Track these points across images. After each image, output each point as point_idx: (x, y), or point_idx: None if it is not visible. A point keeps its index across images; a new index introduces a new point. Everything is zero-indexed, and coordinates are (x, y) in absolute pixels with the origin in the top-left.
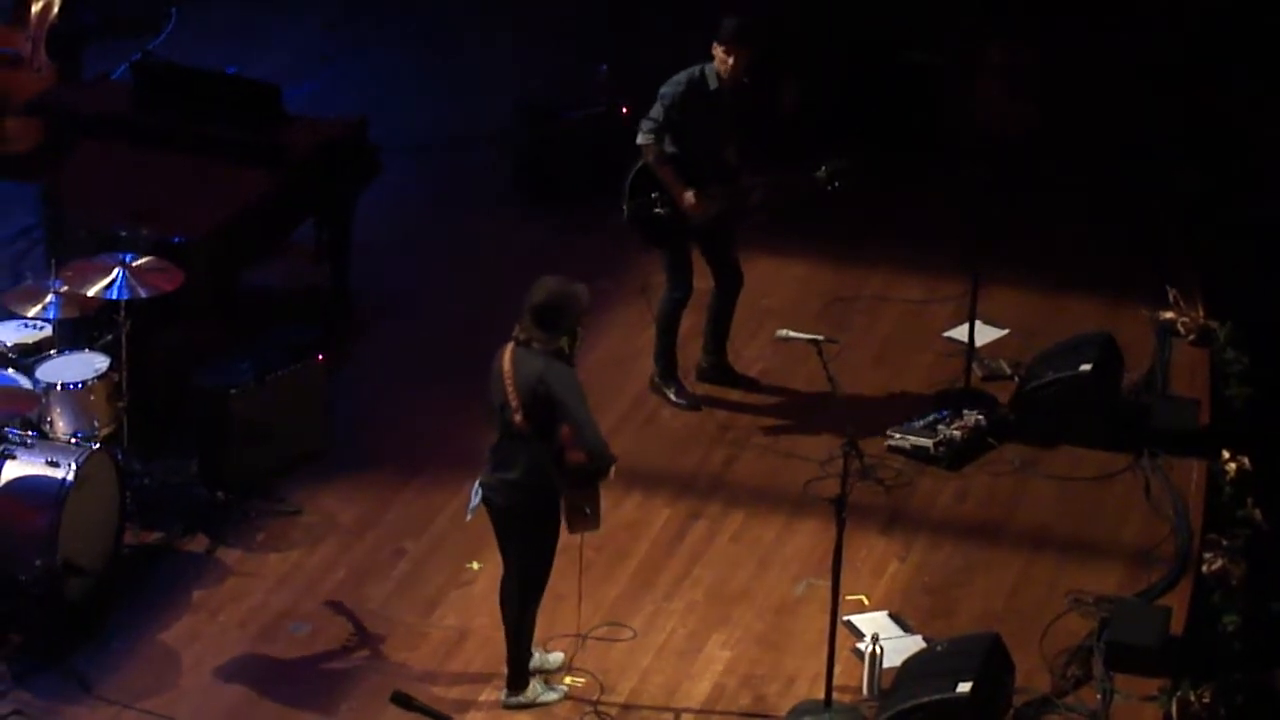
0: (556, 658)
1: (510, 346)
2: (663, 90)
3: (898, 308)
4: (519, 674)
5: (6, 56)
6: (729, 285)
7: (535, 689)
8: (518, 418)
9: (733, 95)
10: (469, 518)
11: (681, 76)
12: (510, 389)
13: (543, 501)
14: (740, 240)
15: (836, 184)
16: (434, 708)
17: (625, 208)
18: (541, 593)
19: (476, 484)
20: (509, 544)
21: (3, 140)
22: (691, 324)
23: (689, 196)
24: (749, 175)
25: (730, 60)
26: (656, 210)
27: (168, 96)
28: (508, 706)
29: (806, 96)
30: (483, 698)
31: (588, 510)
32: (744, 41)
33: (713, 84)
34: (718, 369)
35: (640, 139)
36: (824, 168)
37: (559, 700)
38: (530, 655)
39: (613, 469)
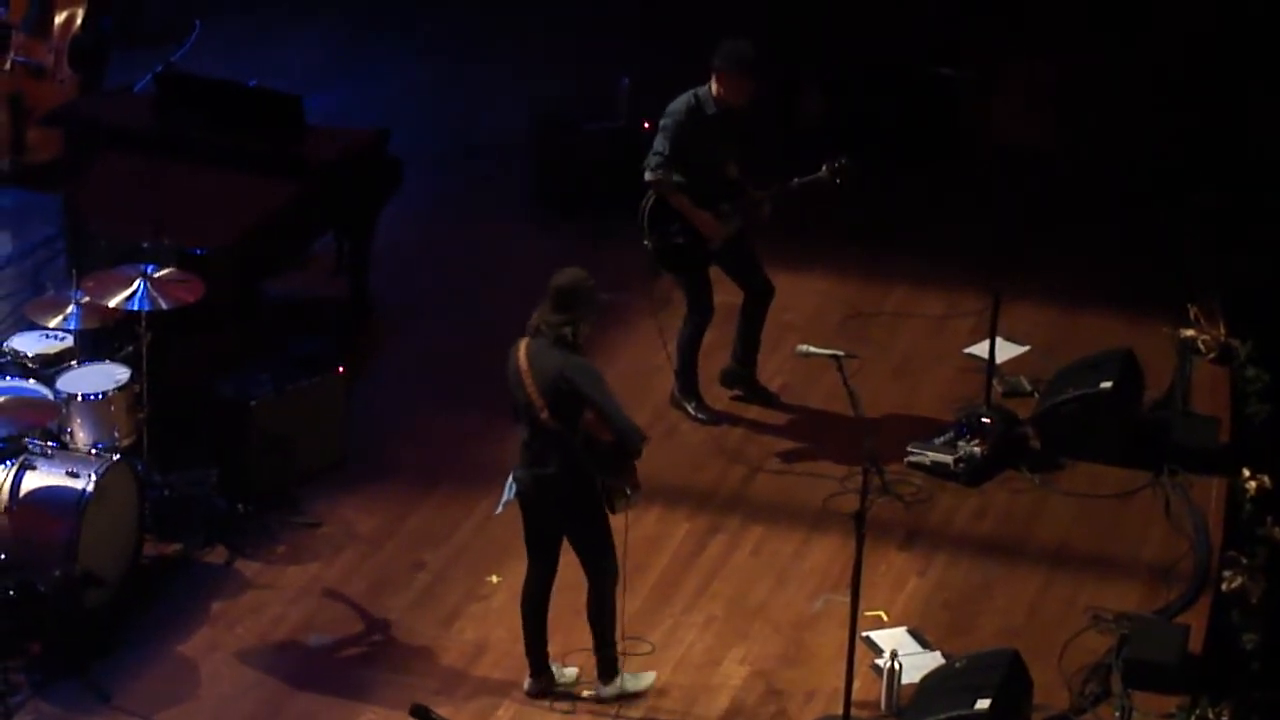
0: (571, 672)
1: (525, 341)
2: (663, 123)
3: (918, 323)
4: (608, 663)
5: (29, 67)
6: (760, 296)
7: (625, 678)
8: (544, 415)
9: (730, 115)
10: (500, 511)
11: (679, 106)
12: (532, 388)
13: (586, 490)
14: (761, 254)
15: (839, 180)
16: None
17: (648, 243)
18: (615, 576)
19: (510, 478)
20: (551, 540)
21: (24, 151)
22: (713, 338)
23: (709, 221)
24: (754, 188)
25: (730, 87)
26: (677, 240)
27: (189, 108)
28: (602, 699)
29: (826, 108)
30: (501, 710)
31: (628, 490)
32: (748, 73)
33: (709, 109)
34: (742, 379)
35: (649, 175)
36: (824, 167)
37: (648, 688)
38: (615, 643)
39: (644, 446)
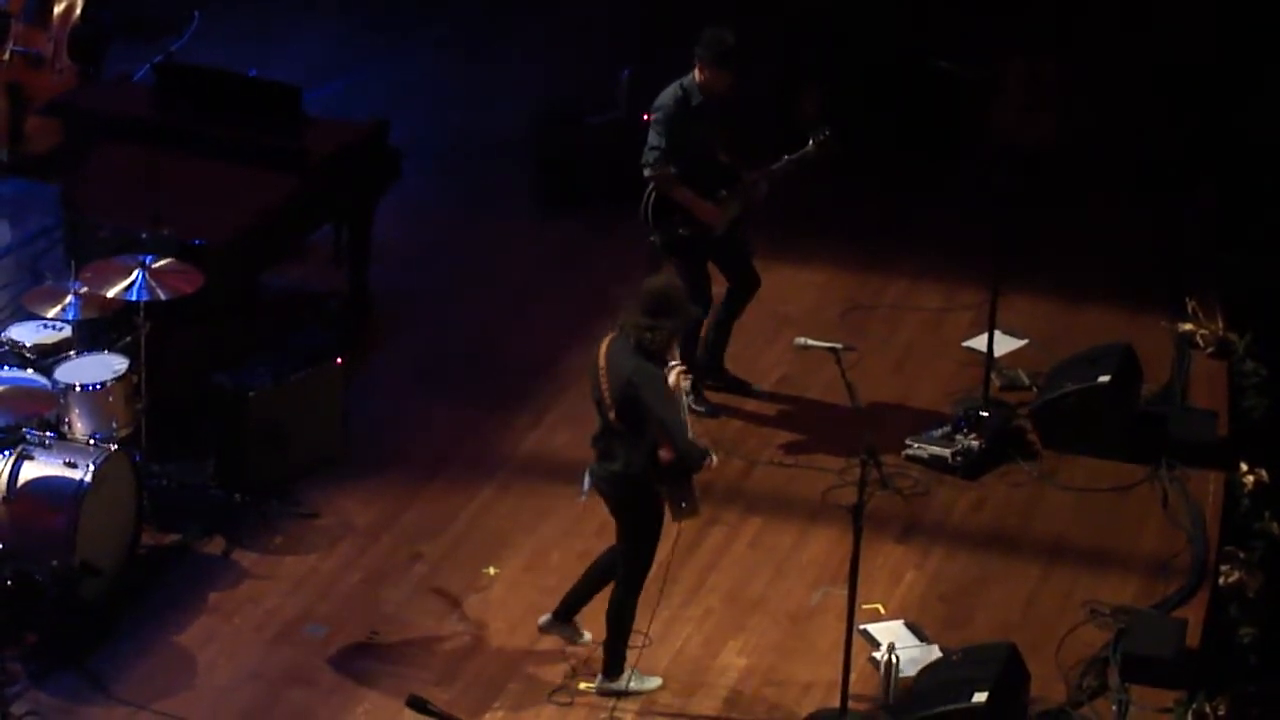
0: (587, 636)
1: (609, 337)
2: (655, 117)
3: (917, 316)
4: (615, 660)
5: (28, 56)
6: (747, 288)
7: (630, 676)
8: (611, 415)
9: (716, 102)
10: (583, 499)
11: (668, 99)
12: (605, 385)
13: (645, 492)
14: (758, 247)
15: (825, 138)
16: (449, 712)
17: (654, 239)
18: (642, 582)
19: (588, 470)
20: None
21: (23, 140)
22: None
23: (711, 209)
24: (746, 171)
25: (710, 77)
26: (681, 233)
27: (188, 98)
28: (601, 692)
29: (827, 104)
30: (498, 702)
31: (684, 504)
32: (728, 64)
33: (696, 99)
34: (711, 369)
35: (649, 171)
36: (811, 141)
37: (656, 688)
38: (626, 644)
39: (710, 460)
